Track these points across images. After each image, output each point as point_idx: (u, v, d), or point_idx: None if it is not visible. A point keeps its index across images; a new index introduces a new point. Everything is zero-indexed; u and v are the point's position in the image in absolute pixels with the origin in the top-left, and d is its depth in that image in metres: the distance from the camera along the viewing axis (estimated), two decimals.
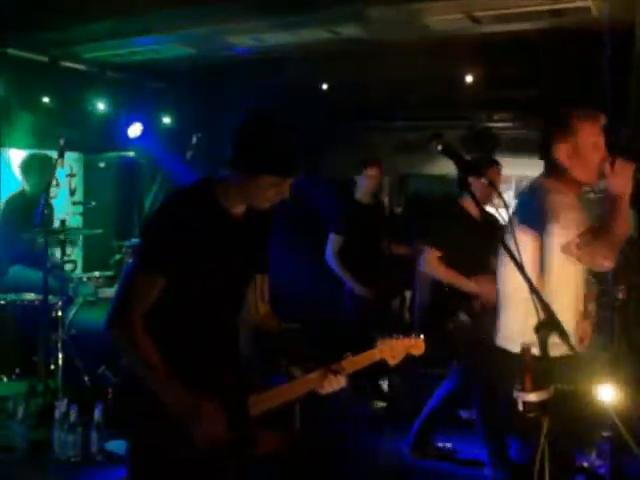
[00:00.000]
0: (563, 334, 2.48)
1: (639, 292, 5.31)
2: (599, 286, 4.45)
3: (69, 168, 6.70)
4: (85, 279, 6.85)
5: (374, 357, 2.90)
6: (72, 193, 6.92)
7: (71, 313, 6.21)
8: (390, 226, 7.29)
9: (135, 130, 8.15)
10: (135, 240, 6.87)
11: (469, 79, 7.36)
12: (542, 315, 2.50)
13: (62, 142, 5.94)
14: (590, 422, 3.49)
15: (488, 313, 5.03)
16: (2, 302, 6.01)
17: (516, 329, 3.42)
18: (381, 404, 6.64)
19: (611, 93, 5.74)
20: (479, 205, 2.80)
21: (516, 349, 2.53)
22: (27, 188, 6.66)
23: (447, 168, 9.38)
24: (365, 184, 6.44)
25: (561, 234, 3.29)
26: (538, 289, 2.59)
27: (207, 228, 2.62)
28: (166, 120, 8.74)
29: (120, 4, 5.74)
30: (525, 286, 2.52)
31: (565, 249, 3.31)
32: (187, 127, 8.22)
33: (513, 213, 3.72)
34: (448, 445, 5.53)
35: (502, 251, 3.48)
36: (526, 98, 8.04)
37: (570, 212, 3.32)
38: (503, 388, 2.73)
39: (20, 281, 6.36)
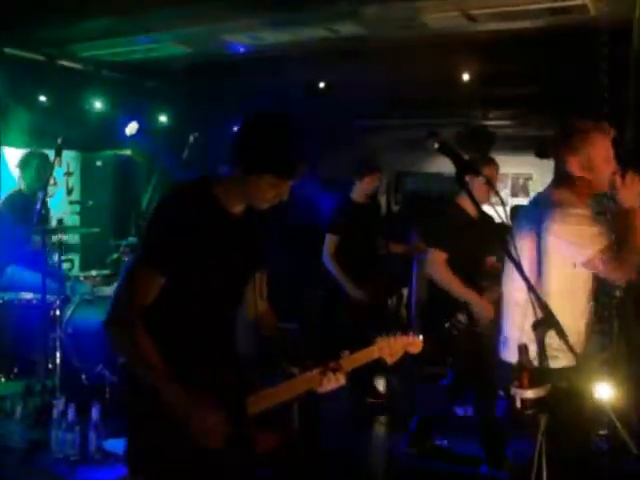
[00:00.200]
0: (561, 333, 2.49)
1: (637, 291, 5.31)
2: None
3: (66, 167, 6.70)
4: (82, 278, 6.84)
5: (372, 355, 2.90)
6: (69, 192, 6.93)
7: (68, 312, 6.19)
8: (386, 225, 7.29)
9: (132, 129, 8.14)
10: (132, 239, 6.87)
11: (465, 77, 7.37)
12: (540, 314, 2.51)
13: (59, 141, 5.94)
14: (588, 421, 3.48)
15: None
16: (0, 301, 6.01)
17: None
18: (377, 402, 6.64)
19: (609, 91, 5.75)
20: (476, 203, 2.79)
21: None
22: (24, 187, 6.65)
23: (443, 166, 9.44)
24: (363, 187, 6.44)
25: (580, 250, 3.30)
26: (536, 289, 2.61)
27: (207, 226, 2.62)
28: (163, 119, 8.74)
29: (117, 3, 5.74)
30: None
31: (588, 264, 3.32)
32: (184, 126, 8.22)
33: (515, 223, 3.73)
34: (444, 442, 5.54)
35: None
36: (522, 96, 8.06)
37: (589, 226, 3.32)
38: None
39: (17, 281, 6.36)
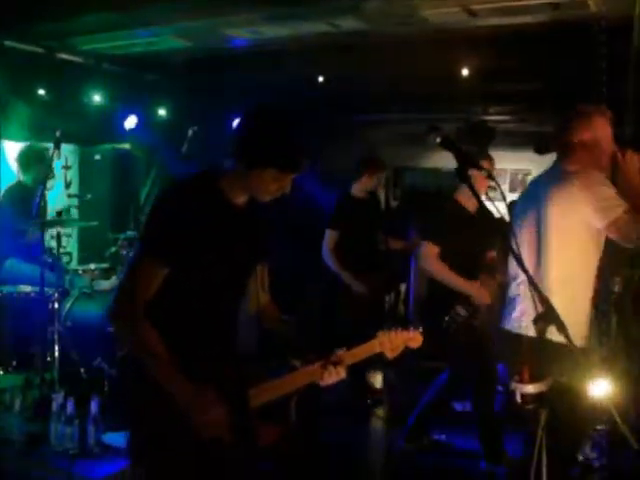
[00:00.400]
0: (561, 327, 2.50)
1: (636, 286, 5.32)
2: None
3: (64, 160, 6.69)
4: (81, 271, 6.84)
5: (373, 349, 2.92)
6: (67, 185, 6.93)
7: (67, 305, 6.19)
8: (385, 220, 7.29)
9: (131, 122, 8.13)
10: (130, 233, 6.86)
11: (465, 72, 7.36)
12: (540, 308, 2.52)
13: (58, 134, 5.92)
14: (586, 415, 3.49)
15: (488, 308, 5.09)
16: None
17: None
18: (374, 397, 6.65)
19: (608, 87, 5.75)
20: (478, 197, 2.80)
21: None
22: (24, 180, 6.64)
23: (442, 161, 9.46)
24: (365, 183, 6.45)
25: (606, 212, 3.51)
26: (536, 282, 2.62)
27: (210, 218, 2.63)
28: (162, 113, 8.72)
29: None
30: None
31: (612, 225, 3.51)
32: (183, 120, 8.21)
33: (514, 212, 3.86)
34: (443, 437, 5.55)
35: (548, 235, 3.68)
36: (522, 92, 8.05)
37: (612, 189, 3.57)
38: None
39: (15, 274, 6.35)
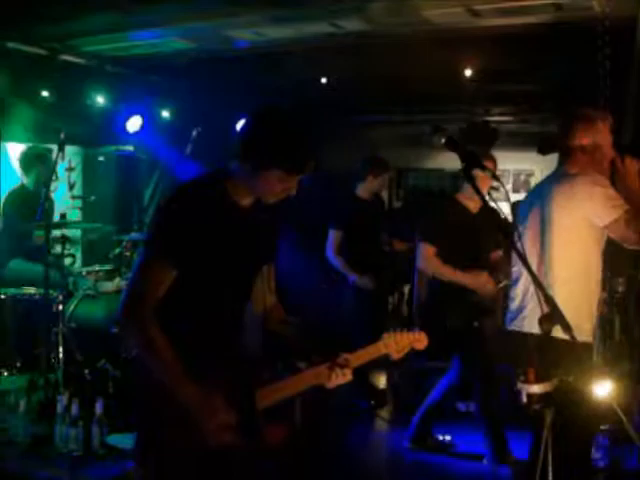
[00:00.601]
0: (566, 327, 2.50)
1: (639, 285, 5.33)
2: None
3: (68, 162, 6.71)
4: (85, 273, 6.85)
5: (379, 351, 2.92)
6: (71, 187, 6.94)
7: (71, 307, 6.21)
8: (389, 221, 7.29)
9: (134, 124, 8.12)
10: (134, 234, 6.87)
11: (468, 73, 7.36)
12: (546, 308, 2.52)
13: (62, 136, 5.93)
14: (592, 415, 3.50)
15: (489, 309, 5.09)
16: (2, 296, 6.01)
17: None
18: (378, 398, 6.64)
19: (611, 88, 5.75)
20: (482, 197, 2.80)
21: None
22: (27, 182, 6.65)
23: (445, 162, 9.47)
24: (371, 185, 6.46)
25: (609, 211, 3.59)
26: (541, 281, 2.62)
27: (217, 219, 2.64)
28: (165, 114, 8.72)
29: None
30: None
31: (612, 225, 3.59)
32: (186, 121, 8.22)
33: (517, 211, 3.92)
34: (447, 437, 5.55)
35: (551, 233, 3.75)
36: (525, 93, 8.05)
37: (613, 190, 3.65)
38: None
39: (20, 275, 6.36)
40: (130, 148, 8.99)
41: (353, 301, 6.31)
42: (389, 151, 9.04)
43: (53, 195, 6.63)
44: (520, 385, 2.52)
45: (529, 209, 3.94)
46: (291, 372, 2.81)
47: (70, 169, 6.84)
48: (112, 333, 5.64)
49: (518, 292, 3.93)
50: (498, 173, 5.50)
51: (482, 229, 4.85)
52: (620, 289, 5.38)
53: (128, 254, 6.62)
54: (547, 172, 4.23)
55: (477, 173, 2.57)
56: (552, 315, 2.50)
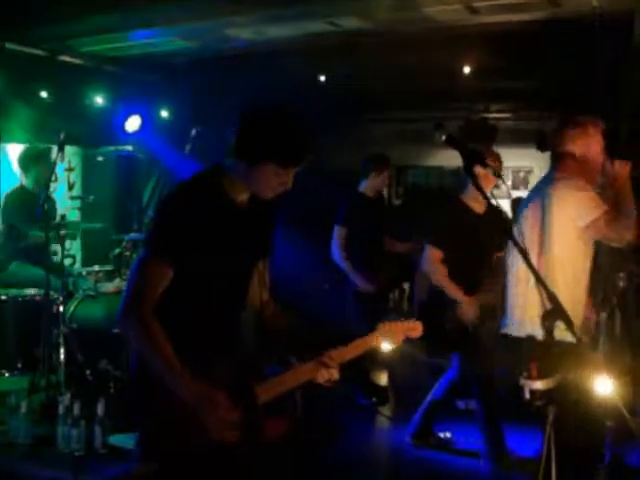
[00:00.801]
0: (569, 323, 2.50)
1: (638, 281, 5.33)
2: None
3: (67, 162, 6.70)
4: (85, 273, 6.84)
5: (370, 343, 2.97)
6: (70, 187, 6.92)
7: (72, 308, 6.20)
8: (390, 220, 7.29)
9: (133, 124, 8.12)
10: (134, 234, 6.86)
11: (467, 70, 7.36)
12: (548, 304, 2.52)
13: (62, 136, 5.92)
14: (595, 412, 3.50)
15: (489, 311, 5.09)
16: (3, 297, 6.00)
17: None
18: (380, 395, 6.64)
19: (609, 83, 5.75)
20: (485, 196, 2.80)
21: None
22: (26, 183, 6.64)
23: (444, 160, 9.47)
24: (375, 182, 6.47)
25: (587, 212, 3.68)
26: (543, 278, 2.62)
27: (214, 216, 2.66)
28: (164, 114, 8.72)
29: None
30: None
31: (592, 225, 3.67)
32: (185, 121, 8.22)
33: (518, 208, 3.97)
34: (448, 435, 5.54)
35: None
36: (524, 89, 8.05)
37: (592, 192, 3.75)
38: None
39: (20, 277, 6.36)
40: (129, 148, 8.99)
41: (354, 301, 6.31)
42: (388, 148, 9.04)
43: (54, 195, 6.62)
44: (523, 381, 2.52)
45: (522, 213, 4.00)
46: (284, 368, 2.83)
47: (69, 169, 6.83)
48: (113, 333, 5.63)
49: (515, 292, 3.96)
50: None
51: (487, 231, 4.84)
52: (621, 284, 5.37)
53: (128, 254, 6.61)
54: (546, 169, 4.24)
55: (480, 171, 2.57)
56: (555, 312, 2.50)
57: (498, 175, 2.77)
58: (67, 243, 6.25)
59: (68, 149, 6.85)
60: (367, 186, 6.49)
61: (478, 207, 5.06)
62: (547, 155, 4.39)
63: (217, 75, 7.93)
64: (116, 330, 5.64)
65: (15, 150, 7.45)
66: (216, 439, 2.57)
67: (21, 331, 5.95)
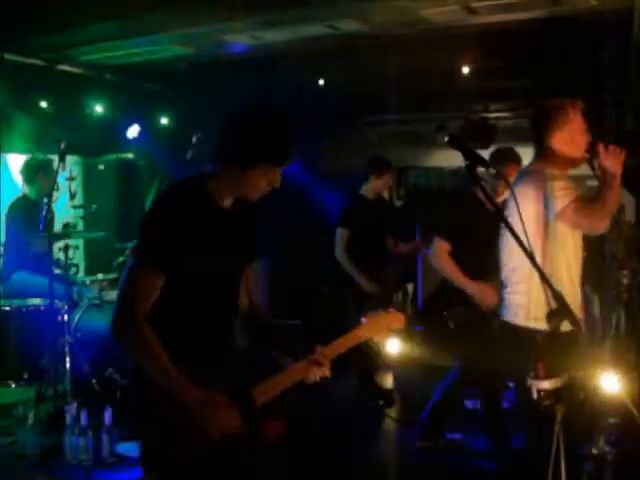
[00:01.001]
0: (575, 321, 2.50)
1: None
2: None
3: (69, 171, 6.70)
4: (89, 282, 6.84)
5: (357, 337, 3.01)
6: (72, 196, 6.92)
7: (76, 317, 6.20)
8: (393, 221, 7.29)
9: (133, 132, 8.13)
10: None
11: (466, 70, 7.36)
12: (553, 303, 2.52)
13: (63, 146, 5.92)
14: (597, 409, 3.50)
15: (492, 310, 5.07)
16: (7, 308, 5.99)
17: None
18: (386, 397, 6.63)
19: (609, 81, 5.75)
20: (488, 196, 2.80)
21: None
22: (29, 192, 6.64)
23: (445, 160, 9.45)
24: (376, 185, 6.49)
25: (554, 201, 3.62)
26: (547, 275, 2.62)
27: (202, 222, 2.66)
28: (164, 121, 8.73)
29: (116, 6, 5.72)
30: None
31: (561, 214, 3.61)
32: (185, 127, 8.21)
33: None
34: (457, 436, 5.53)
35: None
36: (523, 88, 8.04)
37: (562, 181, 3.67)
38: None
39: (24, 287, 6.35)
40: (130, 156, 8.99)
41: (357, 301, 6.31)
42: (388, 150, 9.04)
43: (54, 206, 6.61)
44: (530, 381, 2.51)
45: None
46: (276, 369, 2.84)
47: (71, 179, 6.83)
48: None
49: (514, 289, 3.95)
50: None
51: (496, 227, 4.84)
52: (625, 281, 5.37)
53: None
54: None
55: (504, 167, 2.56)
56: (560, 310, 2.49)
57: (500, 177, 2.77)
58: (70, 252, 6.25)
59: (69, 158, 6.84)
60: (367, 188, 6.52)
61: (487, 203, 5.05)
62: None
63: (216, 80, 7.93)
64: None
65: (16, 160, 7.46)
66: (217, 441, 2.58)
67: (26, 341, 5.93)
